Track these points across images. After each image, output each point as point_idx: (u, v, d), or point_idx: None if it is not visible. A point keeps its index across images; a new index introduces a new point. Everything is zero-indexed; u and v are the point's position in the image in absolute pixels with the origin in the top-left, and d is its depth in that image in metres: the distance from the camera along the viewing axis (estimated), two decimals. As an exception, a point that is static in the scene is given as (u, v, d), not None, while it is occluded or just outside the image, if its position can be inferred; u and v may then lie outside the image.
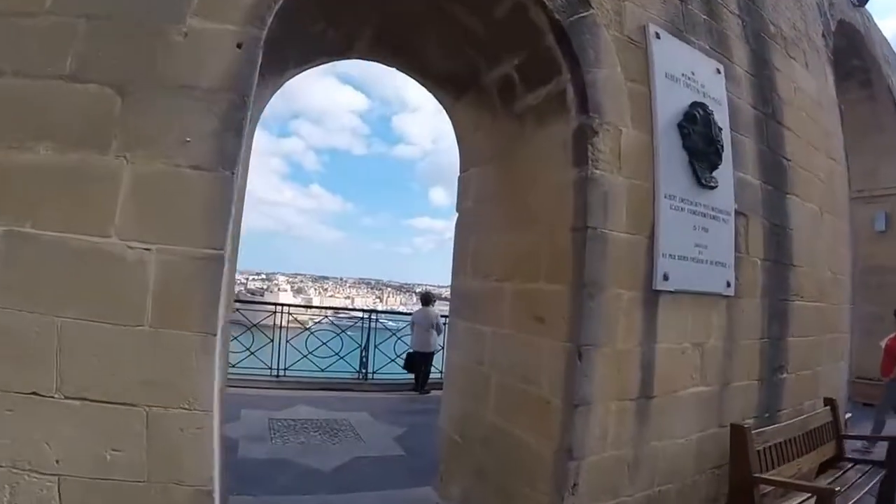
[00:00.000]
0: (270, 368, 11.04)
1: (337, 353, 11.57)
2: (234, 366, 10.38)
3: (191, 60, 3.10)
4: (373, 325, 12.14)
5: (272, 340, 11.12)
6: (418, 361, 11.55)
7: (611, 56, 4.49)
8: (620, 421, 4.31)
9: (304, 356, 11.36)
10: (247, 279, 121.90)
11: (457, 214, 6.02)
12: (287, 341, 11.25)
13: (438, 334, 11.50)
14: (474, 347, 5.31)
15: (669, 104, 4.77)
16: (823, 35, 7.81)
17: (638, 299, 4.37)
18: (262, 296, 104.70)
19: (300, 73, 5.44)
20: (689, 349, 4.79)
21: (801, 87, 6.72)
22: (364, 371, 11.75)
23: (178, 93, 3.05)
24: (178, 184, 3.03)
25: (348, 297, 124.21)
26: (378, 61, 5.66)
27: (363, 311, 13.12)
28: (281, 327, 11.51)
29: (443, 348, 11.12)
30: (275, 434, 7.69)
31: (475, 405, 5.20)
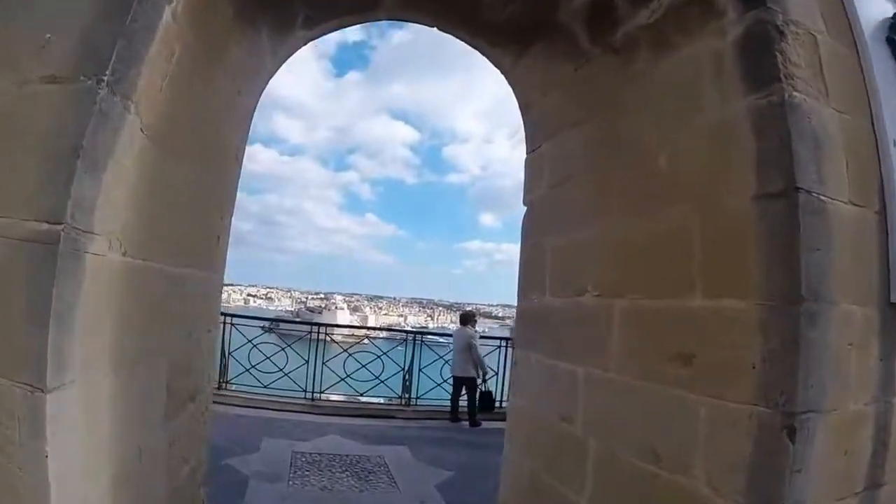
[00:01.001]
0: (305, 391, 9.02)
1: (377, 377, 9.52)
2: (265, 386, 8.85)
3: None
4: (413, 344, 9.99)
5: (307, 362, 9.15)
6: (457, 387, 9.39)
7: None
8: (835, 535, 2.12)
9: (342, 379, 9.38)
10: (307, 298, 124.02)
11: (525, 209, 3.92)
12: (323, 363, 9.24)
13: (476, 360, 9.32)
14: (556, 395, 3.19)
15: (867, 9, 2.63)
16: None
17: (873, 321, 2.18)
18: (320, 313, 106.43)
19: (313, 37, 3.69)
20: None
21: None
22: (407, 396, 9.63)
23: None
24: (20, 109, 1.65)
25: (401, 316, 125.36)
26: (414, 20, 3.86)
27: (406, 331, 10.97)
28: (323, 340, 9.55)
29: (483, 377, 9.38)
30: (295, 472, 5.80)
31: (557, 480, 3.10)
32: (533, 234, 3.77)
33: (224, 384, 8.78)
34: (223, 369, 8.77)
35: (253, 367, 8.85)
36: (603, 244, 2.95)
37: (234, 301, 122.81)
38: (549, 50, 3.56)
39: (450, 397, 9.44)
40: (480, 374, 9.31)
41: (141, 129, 1.83)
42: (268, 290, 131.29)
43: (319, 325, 10.08)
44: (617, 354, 2.71)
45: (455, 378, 9.38)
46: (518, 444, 3.62)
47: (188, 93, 2.24)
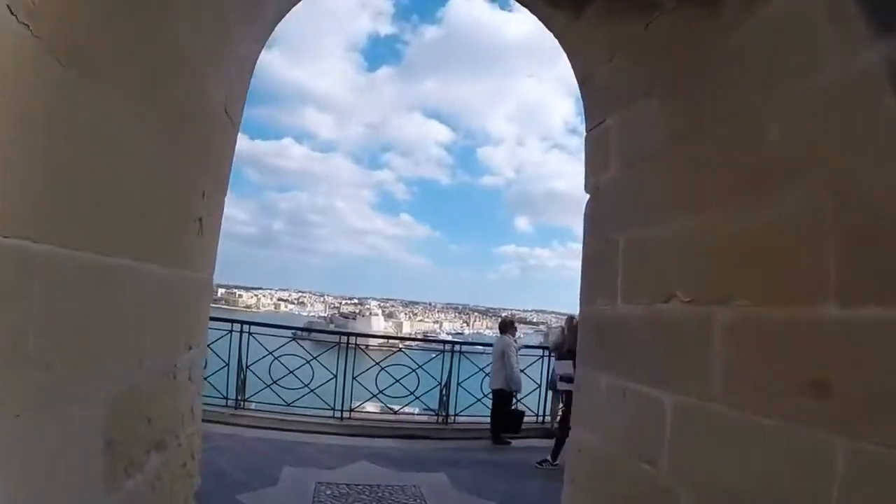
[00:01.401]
0: (333, 409, 8.64)
1: (412, 393, 9.14)
2: (289, 404, 8.41)
3: None
4: (451, 356, 9.51)
5: (335, 376, 8.78)
6: (496, 402, 8.97)
7: None
8: None
9: (374, 396, 9.00)
10: (340, 303, 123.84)
11: (587, 198, 3.47)
12: (353, 378, 8.85)
13: (511, 370, 8.86)
14: (634, 429, 2.71)
15: None
16: None
17: None
18: (354, 319, 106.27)
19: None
20: None
21: None
22: (444, 413, 9.19)
23: None
24: None
25: (437, 322, 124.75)
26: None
27: (443, 342, 10.57)
28: (354, 349, 9.18)
29: (513, 393, 9.04)
30: (319, 508, 5.39)
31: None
32: (600, 226, 3.29)
33: (241, 403, 8.46)
34: (241, 385, 8.45)
35: (274, 382, 8.53)
36: (695, 238, 2.46)
37: (264, 306, 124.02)
38: (613, 4, 3.11)
39: (490, 413, 9.03)
40: (512, 388, 8.96)
41: (8, 8, 1.16)
42: (300, 294, 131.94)
43: (349, 334, 9.73)
44: (718, 379, 2.22)
45: (494, 391, 8.98)
46: (582, 487, 3.14)
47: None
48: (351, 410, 8.76)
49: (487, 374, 9.33)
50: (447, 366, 9.31)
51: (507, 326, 9.48)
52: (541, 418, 9.51)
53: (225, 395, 8.30)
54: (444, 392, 9.22)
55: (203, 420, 3.03)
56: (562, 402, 8.20)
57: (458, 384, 9.34)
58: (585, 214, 3.41)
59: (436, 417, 9.26)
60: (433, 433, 8.72)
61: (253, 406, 8.66)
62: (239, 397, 8.44)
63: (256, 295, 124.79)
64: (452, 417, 9.25)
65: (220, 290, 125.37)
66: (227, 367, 8.33)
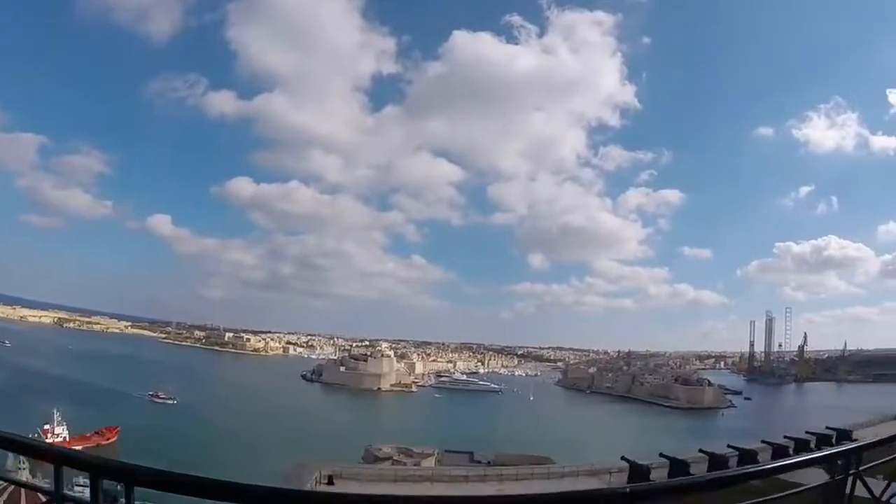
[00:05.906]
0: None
1: None
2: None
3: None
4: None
5: None
6: None
7: None
8: None
9: None
10: (351, 346, 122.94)
11: None
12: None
13: None
14: None
15: None
16: None
17: None
18: (365, 361, 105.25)
19: None
20: None
21: None
22: None
23: None
24: None
25: (450, 361, 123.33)
26: None
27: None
28: None
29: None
30: None
31: None
32: None
33: None
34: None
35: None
36: None
37: (272, 349, 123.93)
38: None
39: None
40: None
41: None
42: (309, 337, 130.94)
43: None
44: None
45: None
46: None
47: None
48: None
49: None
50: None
51: None
52: None
53: None
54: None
55: None
56: None
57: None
58: None
59: None
60: None
61: None
62: None
63: (265, 339, 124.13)
64: None
65: (228, 335, 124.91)
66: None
